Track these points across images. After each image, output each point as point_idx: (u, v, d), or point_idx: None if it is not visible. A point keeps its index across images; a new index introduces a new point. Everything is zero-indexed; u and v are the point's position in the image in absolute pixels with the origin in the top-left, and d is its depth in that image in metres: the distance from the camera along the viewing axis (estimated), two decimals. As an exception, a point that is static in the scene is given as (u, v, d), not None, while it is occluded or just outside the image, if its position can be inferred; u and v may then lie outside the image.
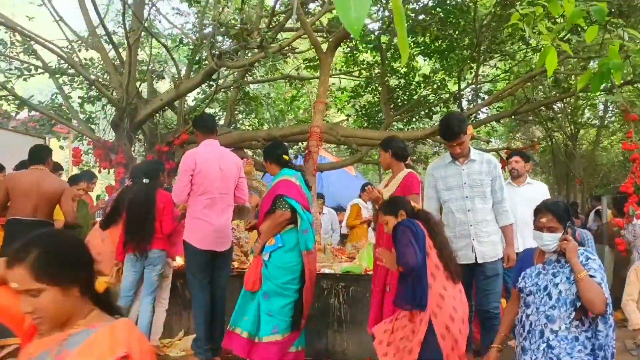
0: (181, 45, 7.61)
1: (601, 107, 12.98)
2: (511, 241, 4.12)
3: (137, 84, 7.74)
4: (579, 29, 6.81)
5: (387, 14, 9.87)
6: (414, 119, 11.47)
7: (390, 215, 3.59)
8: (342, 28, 5.40)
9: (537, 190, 5.20)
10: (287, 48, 9.39)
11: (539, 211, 2.93)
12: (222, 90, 9.31)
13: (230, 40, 6.84)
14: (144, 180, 5.00)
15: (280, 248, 4.13)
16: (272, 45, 6.49)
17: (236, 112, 10.85)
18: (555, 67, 2.18)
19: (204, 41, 6.16)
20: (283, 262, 4.11)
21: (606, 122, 12.66)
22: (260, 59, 5.87)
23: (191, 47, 7.66)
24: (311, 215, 4.32)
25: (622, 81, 7.82)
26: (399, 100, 11.13)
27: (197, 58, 7.69)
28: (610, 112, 12.43)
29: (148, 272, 4.90)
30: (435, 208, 4.15)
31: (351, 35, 8.28)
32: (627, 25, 6.47)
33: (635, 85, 8.30)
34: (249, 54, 6.60)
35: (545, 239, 2.82)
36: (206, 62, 6.73)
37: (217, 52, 5.93)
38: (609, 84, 6.89)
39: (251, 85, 12.88)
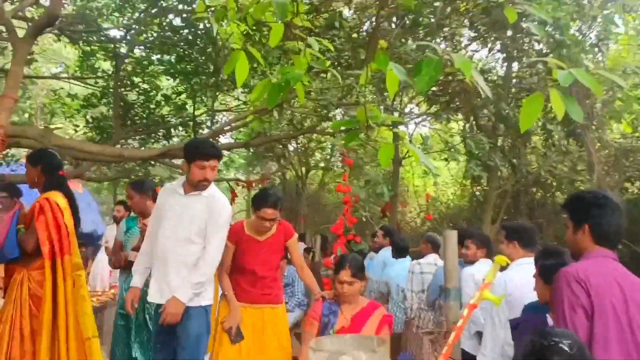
0: None
1: (329, 150, 14.20)
2: None
3: None
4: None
5: (133, 24, 9.29)
6: (151, 139, 10.88)
7: None
8: (45, 15, 4.64)
9: None
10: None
11: None
12: None
13: None
14: None
15: None
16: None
17: None
18: (246, 74, 1.94)
19: None
20: None
21: (331, 165, 13.87)
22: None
23: None
24: None
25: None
26: (137, 117, 10.46)
27: None
28: (335, 155, 13.64)
29: None
30: None
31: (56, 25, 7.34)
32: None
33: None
34: None
35: None
36: None
37: None
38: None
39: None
